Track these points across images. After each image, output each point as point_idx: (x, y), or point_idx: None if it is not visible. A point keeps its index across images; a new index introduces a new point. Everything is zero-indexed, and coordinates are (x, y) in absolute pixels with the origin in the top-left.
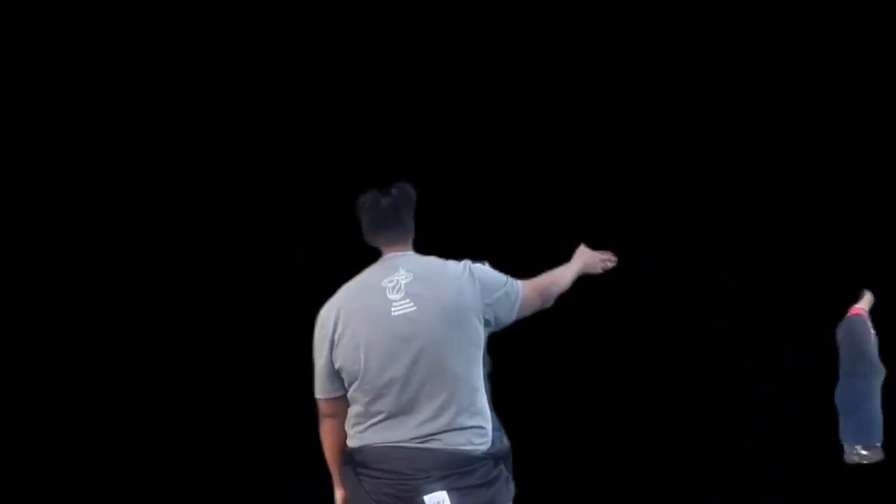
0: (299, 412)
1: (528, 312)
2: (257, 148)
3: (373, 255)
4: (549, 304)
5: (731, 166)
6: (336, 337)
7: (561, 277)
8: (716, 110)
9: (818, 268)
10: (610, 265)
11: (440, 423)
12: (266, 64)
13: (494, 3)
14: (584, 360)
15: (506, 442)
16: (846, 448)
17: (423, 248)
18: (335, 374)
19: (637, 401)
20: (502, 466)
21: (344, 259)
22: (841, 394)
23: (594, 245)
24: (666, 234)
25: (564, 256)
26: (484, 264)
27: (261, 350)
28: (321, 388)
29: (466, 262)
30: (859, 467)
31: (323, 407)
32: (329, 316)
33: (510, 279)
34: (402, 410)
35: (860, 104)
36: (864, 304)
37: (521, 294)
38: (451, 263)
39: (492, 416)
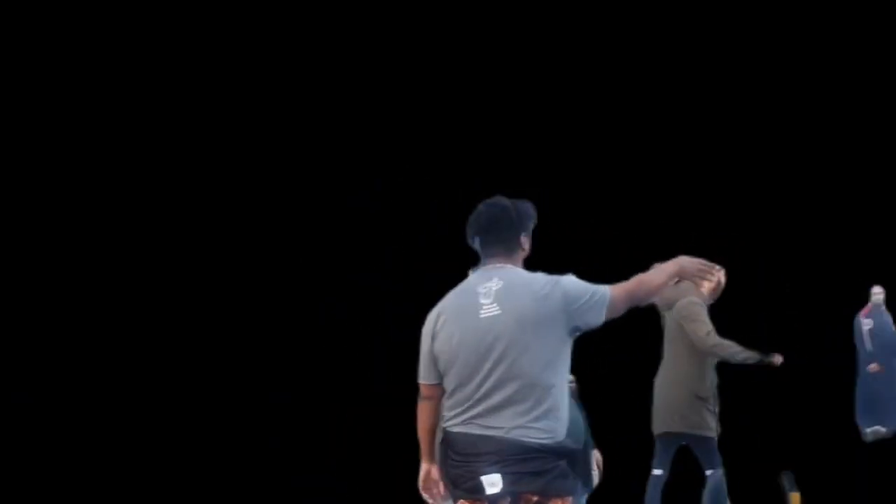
0: (298, 412)
1: (618, 314)
2: (272, 156)
3: (372, 261)
4: (642, 303)
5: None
6: (436, 330)
7: (650, 280)
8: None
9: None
10: (710, 277)
11: (506, 415)
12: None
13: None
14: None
15: (573, 444)
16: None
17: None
18: (434, 363)
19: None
20: (563, 462)
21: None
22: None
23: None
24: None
25: (572, 260)
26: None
27: (259, 350)
28: (422, 374)
29: (556, 276)
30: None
31: (422, 390)
32: (435, 313)
33: (598, 286)
34: (479, 401)
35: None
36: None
37: (610, 299)
38: (541, 276)
39: (570, 416)
